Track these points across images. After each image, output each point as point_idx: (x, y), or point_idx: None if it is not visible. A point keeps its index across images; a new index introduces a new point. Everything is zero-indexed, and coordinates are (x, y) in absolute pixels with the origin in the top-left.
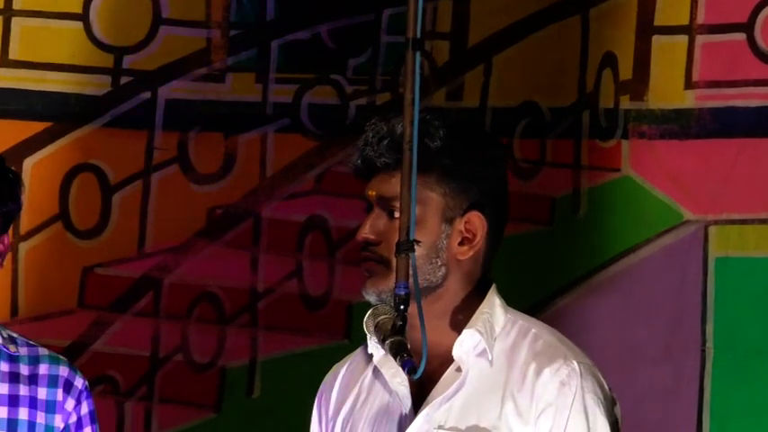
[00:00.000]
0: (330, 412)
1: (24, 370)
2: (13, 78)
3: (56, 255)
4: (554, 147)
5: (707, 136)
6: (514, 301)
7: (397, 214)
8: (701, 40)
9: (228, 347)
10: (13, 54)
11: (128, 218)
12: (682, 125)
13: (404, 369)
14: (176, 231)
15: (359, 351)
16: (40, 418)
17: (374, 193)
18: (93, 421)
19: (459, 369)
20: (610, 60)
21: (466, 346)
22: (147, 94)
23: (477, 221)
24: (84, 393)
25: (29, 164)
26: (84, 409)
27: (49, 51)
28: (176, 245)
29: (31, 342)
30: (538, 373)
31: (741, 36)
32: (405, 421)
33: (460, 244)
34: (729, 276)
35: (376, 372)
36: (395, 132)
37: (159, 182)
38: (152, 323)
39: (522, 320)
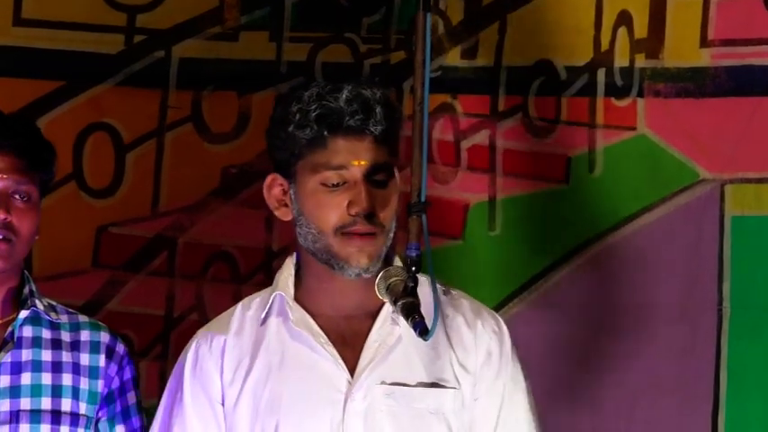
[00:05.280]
0: (225, 379)
1: (66, 336)
2: (25, 37)
3: (69, 214)
4: (569, 105)
5: (722, 94)
6: (530, 259)
7: (390, 182)
8: None
9: None
10: (26, 13)
11: (142, 177)
12: (697, 83)
13: (415, 330)
14: (190, 190)
15: (236, 315)
16: (84, 383)
17: (365, 162)
18: (135, 386)
19: (392, 323)
20: (625, 18)
21: None
22: (161, 53)
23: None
24: (126, 359)
25: (42, 123)
26: (127, 374)
27: (62, 10)
28: (190, 204)
29: (70, 310)
30: (470, 325)
31: None
32: (340, 380)
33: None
34: (745, 235)
35: (291, 332)
36: (378, 98)
37: (173, 141)
38: (167, 283)
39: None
